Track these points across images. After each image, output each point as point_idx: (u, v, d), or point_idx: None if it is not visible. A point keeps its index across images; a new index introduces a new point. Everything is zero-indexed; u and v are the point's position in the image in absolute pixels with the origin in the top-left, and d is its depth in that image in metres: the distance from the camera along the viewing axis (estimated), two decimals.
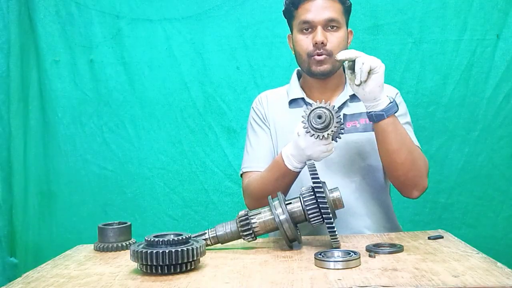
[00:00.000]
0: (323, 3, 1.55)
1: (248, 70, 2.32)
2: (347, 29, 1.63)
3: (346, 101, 1.63)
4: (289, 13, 1.63)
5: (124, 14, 2.33)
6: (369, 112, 1.40)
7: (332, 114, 1.30)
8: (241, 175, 1.68)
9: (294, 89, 1.70)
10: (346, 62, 1.39)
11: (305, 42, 1.58)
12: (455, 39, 2.23)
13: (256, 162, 1.64)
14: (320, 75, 1.59)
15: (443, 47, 2.23)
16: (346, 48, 1.62)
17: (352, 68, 1.37)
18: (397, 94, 1.68)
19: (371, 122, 1.43)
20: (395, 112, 1.39)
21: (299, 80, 1.72)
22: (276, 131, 1.68)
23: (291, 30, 1.65)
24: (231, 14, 2.32)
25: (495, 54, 2.21)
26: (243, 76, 2.32)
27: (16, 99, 2.19)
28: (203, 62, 2.33)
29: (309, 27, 1.57)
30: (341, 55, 1.38)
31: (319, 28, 1.55)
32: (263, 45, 2.30)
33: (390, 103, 1.38)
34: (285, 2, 1.64)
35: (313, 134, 1.31)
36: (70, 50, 2.33)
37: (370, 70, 1.33)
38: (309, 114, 1.31)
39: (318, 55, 1.56)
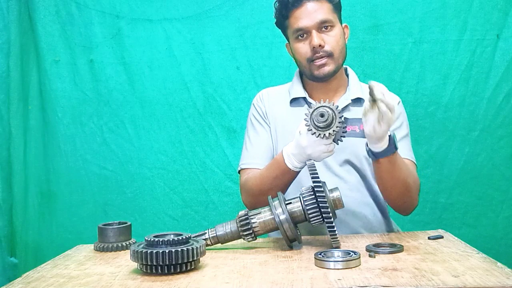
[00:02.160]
0: (312, 7, 1.55)
1: (248, 70, 2.32)
2: (342, 25, 1.63)
3: (348, 104, 1.62)
4: (282, 24, 1.64)
5: (124, 14, 2.32)
6: (369, 148, 1.36)
7: (334, 114, 1.30)
8: (239, 171, 1.68)
9: (297, 88, 1.70)
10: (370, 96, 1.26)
11: (303, 48, 1.58)
12: (455, 39, 2.22)
13: (254, 159, 1.64)
14: (324, 78, 1.59)
15: (443, 47, 2.23)
16: (345, 44, 1.62)
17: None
18: (399, 102, 1.67)
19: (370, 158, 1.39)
20: (396, 150, 1.35)
21: (301, 79, 1.72)
22: (276, 129, 1.68)
23: (288, 39, 1.66)
24: (231, 14, 2.31)
25: (495, 54, 2.20)
26: (243, 76, 2.32)
27: (16, 99, 2.19)
28: (203, 62, 2.33)
29: (303, 33, 1.57)
30: (378, 94, 1.23)
31: (314, 32, 1.55)
32: (263, 45, 2.30)
33: (389, 145, 1.32)
34: (275, 14, 1.64)
35: (315, 133, 1.31)
36: (70, 50, 2.33)
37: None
38: (312, 112, 1.31)
39: (318, 58, 1.56)
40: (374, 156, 1.35)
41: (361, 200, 1.61)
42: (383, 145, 1.32)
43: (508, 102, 2.21)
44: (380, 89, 1.24)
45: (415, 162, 1.60)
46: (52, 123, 2.33)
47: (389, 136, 1.32)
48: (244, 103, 2.27)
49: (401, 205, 1.53)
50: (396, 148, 1.34)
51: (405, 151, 1.55)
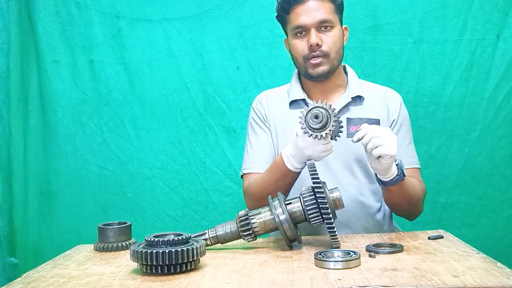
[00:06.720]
0: (313, 5, 1.55)
1: (248, 70, 2.32)
2: (342, 26, 1.63)
3: (348, 104, 1.62)
4: (282, 19, 1.65)
5: (124, 14, 2.32)
6: (378, 178, 1.39)
7: (329, 114, 1.30)
8: (242, 176, 1.68)
9: (295, 90, 1.69)
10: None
11: (301, 45, 1.58)
12: (455, 39, 2.22)
13: (256, 163, 1.64)
14: (318, 77, 1.59)
15: (443, 47, 2.23)
16: (343, 46, 1.63)
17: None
18: (400, 102, 1.68)
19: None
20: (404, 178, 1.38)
21: (300, 80, 1.72)
22: (277, 131, 1.67)
23: (286, 35, 1.66)
24: (231, 14, 2.31)
25: (495, 54, 2.20)
26: (243, 76, 2.32)
27: (16, 99, 2.19)
28: (203, 62, 2.33)
29: (302, 30, 1.58)
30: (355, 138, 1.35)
31: (313, 31, 1.55)
32: (263, 45, 2.30)
33: (397, 175, 1.35)
34: (277, 8, 1.64)
35: (311, 135, 1.31)
36: (70, 50, 2.32)
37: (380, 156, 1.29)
38: (306, 114, 1.31)
39: (314, 57, 1.56)
40: (383, 184, 1.39)
41: (363, 200, 1.61)
42: (391, 175, 1.35)
43: (508, 102, 2.20)
44: (357, 135, 1.32)
45: (419, 167, 1.63)
46: (52, 123, 2.32)
47: (397, 165, 1.35)
48: (244, 103, 2.27)
49: (408, 215, 1.61)
50: (404, 176, 1.37)
51: (409, 158, 1.60)
